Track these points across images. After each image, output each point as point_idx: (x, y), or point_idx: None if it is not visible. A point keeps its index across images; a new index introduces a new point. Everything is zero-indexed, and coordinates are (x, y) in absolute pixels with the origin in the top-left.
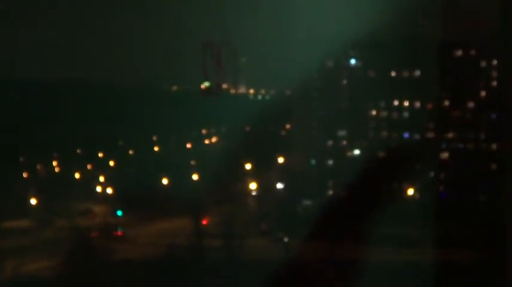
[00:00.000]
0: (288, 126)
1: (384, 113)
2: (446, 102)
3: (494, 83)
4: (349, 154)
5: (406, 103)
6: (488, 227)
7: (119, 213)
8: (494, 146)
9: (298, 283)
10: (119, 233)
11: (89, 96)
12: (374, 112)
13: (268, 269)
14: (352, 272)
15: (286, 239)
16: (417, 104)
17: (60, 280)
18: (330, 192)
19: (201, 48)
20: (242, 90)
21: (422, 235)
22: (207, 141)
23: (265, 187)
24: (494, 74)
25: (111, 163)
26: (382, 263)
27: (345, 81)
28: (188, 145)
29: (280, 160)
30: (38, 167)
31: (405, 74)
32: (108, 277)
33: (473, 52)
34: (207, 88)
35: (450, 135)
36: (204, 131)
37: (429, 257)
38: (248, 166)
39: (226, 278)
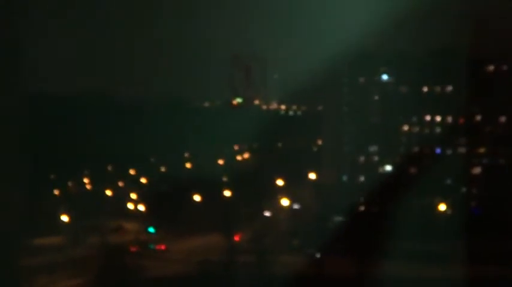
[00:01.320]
0: (319, 142)
1: (416, 129)
2: (478, 117)
3: None
4: (380, 169)
5: (438, 118)
6: None
7: (151, 230)
8: None
9: None
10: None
11: (120, 113)
12: (406, 127)
13: (299, 285)
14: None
15: (317, 255)
16: (449, 119)
17: None
18: (362, 208)
19: (230, 62)
20: (273, 106)
21: (453, 250)
22: (239, 158)
23: (298, 203)
24: None
25: (143, 180)
26: (412, 279)
27: (376, 97)
28: (220, 161)
29: (312, 175)
30: (70, 184)
31: (437, 89)
32: None
33: (505, 67)
34: (238, 104)
35: (482, 150)
36: (236, 147)
37: (459, 273)
38: (280, 182)
39: None
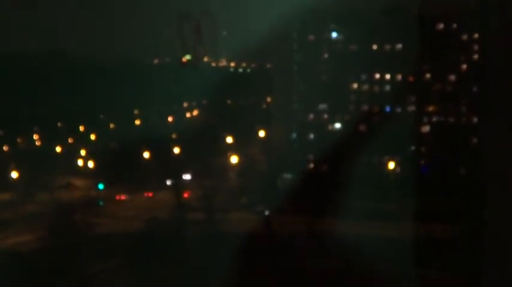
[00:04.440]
0: (269, 99)
1: (365, 87)
2: (428, 76)
3: (475, 57)
4: (330, 127)
5: (388, 76)
6: (468, 200)
7: (100, 187)
8: (475, 119)
9: (276, 256)
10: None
11: (69, 69)
12: (355, 85)
13: (248, 242)
14: (330, 245)
15: (266, 213)
16: (398, 77)
17: (40, 254)
18: (311, 165)
19: (180, 19)
20: (223, 63)
21: (402, 208)
22: (188, 115)
23: (246, 161)
24: (475, 47)
25: (92, 137)
26: (360, 237)
27: (326, 55)
28: (169, 118)
29: (262, 133)
30: (19, 140)
31: (387, 47)
32: (88, 251)
33: (454, 25)
34: (187, 61)
35: (431, 108)
36: (185, 105)
37: (408, 231)
38: (229, 139)
39: (207, 252)
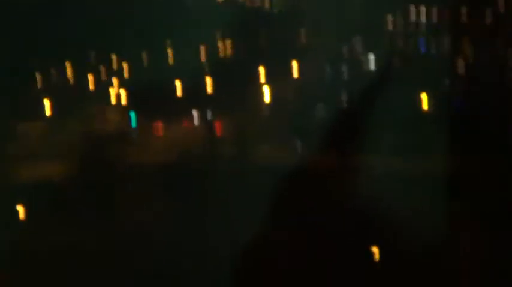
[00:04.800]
0: (302, 33)
1: (401, 20)
2: (464, 11)
3: None
4: (363, 59)
5: (423, 10)
6: (501, 136)
7: (133, 118)
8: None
9: (309, 190)
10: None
11: None
12: (390, 19)
13: (281, 176)
14: (363, 180)
15: (299, 149)
16: (434, 12)
17: (70, 184)
18: (344, 102)
19: None
20: None
21: (437, 146)
22: (221, 47)
23: (280, 95)
24: None
25: (125, 66)
26: (392, 172)
27: None
28: (203, 51)
29: (295, 66)
30: (52, 71)
31: None
32: (118, 182)
33: None
34: None
35: (467, 47)
36: (217, 35)
37: (441, 166)
38: (262, 72)
39: (240, 185)
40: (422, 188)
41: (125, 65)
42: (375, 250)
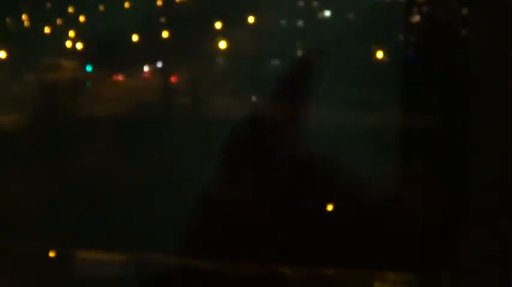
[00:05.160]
0: None
1: None
2: None
3: None
4: (319, 15)
5: None
6: (454, 92)
7: (88, 68)
8: (465, 11)
9: (262, 139)
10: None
11: None
12: None
13: (234, 127)
14: (314, 135)
15: (253, 99)
16: None
17: (24, 134)
18: (299, 53)
19: None
20: None
21: (390, 98)
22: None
23: (235, 46)
24: None
25: (81, 19)
26: (345, 127)
27: None
28: (159, 2)
29: (251, 19)
30: (7, 20)
31: None
32: (72, 132)
33: None
34: None
35: None
36: None
37: (393, 122)
38: (218, 24)
39: (193, 135)
40: (374, 143)
41: (81, 17)
42: (327, 204)
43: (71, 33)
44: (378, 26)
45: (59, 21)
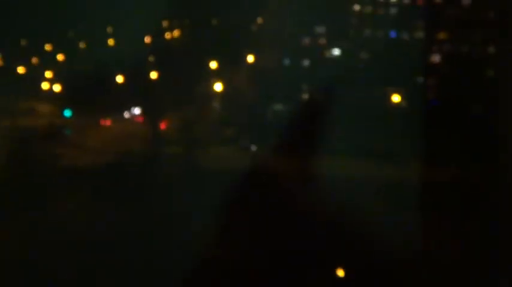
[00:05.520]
0: (259, 20)
1: (368, 8)
2: None
3: None
4: (327, 53)
5: None
6: (480, 141)
7: (67, 113)
8: (491, 50)
9: (265, 198)
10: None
11: None
12: (357, 7)
13: (232, 181)
14: (324, 189)
15: (253, 148)
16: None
17: None
18: (305, 96)
19: None
20: None
21: (407, 148)
22: (168, 36)
23: (232, 89)
24: None
25: (60, 57)
26: (359, 179)
27: None
28: (147, 40)
29: (250, 58)
30: None
31: None
32: (50, 185)
33: None
34: None
35: (442, 35)
36: (165, 24)
37: (412, 174)
38: (213, 64)
39: (186, 189)
40: (392, 197)
41: (60, 56)
42: (340, 267)
43: (48, 74)
44: (394, 66)
45: (34, 60)
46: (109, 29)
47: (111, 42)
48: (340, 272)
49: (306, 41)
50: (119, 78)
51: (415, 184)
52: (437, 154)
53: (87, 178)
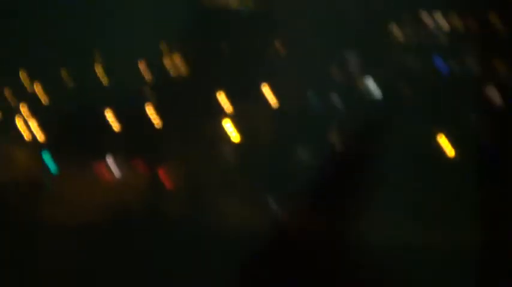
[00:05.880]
0: (278, 44)
1: (408, 30)
2: (495, 18)
3: None
4: (360, 86)
5: (439, 17)
6: None
7: (49, 161)
8: None
9: (288, 267)
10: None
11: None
12: (395, 28)
13: (248, 245)
14: (359, 259)
15: (273, 206)
16: (454, 19)
17: None
18: (333, 139)
19: None
20: None
21: (462, 205)
22: (166, 61)
23: (246, 129)
24: None
25: (37, 89)
26: (399, 246)
27: None
28: (141, 65)
29: (267, 92)
30: None
31: None
32: (32, 249)
33: None
34: None
35: (499, 64)
36: (162, 47)
37: (472, 239)
38: (222, 100)
39: (193, 255)
40: (442, 267)
41: (37, 87)
42: None
43: (24, 111)
44: (441, 103)
45: (6, 94)
46: (95, 53)
47: (97, 68)
48: None
49: (334, 70)
50: (109, 115)
51: (473, 252)
52: (502, 213)
53: (77, 240)
